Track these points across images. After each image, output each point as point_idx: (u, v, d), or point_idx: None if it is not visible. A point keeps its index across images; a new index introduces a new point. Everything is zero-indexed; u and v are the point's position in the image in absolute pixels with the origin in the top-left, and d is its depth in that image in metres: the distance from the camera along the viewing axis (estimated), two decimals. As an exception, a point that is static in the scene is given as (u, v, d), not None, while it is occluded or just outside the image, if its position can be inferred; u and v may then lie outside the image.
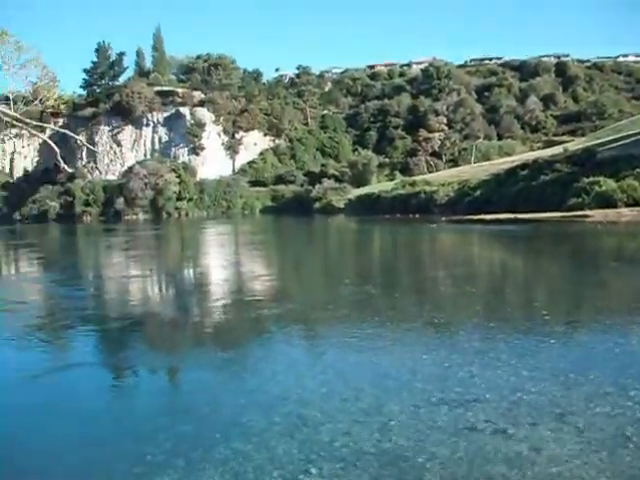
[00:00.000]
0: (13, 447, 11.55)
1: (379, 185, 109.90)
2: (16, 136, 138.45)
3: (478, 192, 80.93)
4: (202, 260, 44.46)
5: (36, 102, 13.54)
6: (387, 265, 38.28)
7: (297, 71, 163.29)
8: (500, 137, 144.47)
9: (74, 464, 10.64)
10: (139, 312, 24.26)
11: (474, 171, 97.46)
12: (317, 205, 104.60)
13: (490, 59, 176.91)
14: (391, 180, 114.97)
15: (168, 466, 10.14)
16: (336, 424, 11.41)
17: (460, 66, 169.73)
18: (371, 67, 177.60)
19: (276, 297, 25.97)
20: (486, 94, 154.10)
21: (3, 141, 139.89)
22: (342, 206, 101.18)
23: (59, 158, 24.88)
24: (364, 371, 14.45)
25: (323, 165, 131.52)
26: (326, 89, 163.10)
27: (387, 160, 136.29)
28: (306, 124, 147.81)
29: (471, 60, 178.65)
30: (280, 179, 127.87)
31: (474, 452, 10.12)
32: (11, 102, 13.10)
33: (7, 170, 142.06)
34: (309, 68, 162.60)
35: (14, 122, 13.63)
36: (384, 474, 9.58)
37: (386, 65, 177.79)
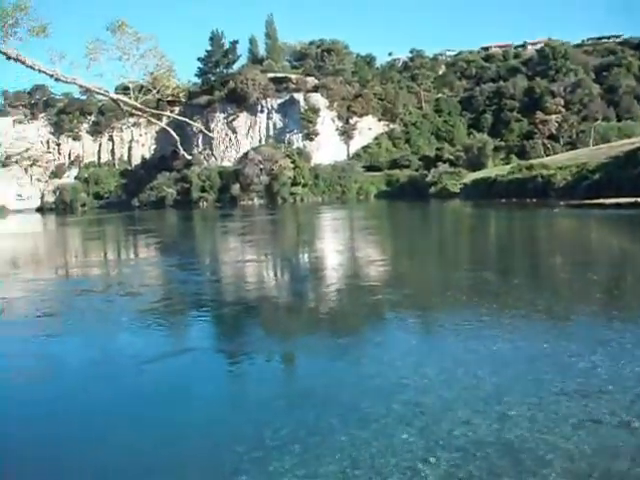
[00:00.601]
0: (138, 428, 11.91)
1: (495, 169, 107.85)
2: (134, 125, 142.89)
3: (597, 175, 78.23)
4: (317, 245, 44.72)
5: (154, 91, 13.83)
6: (504, 250, 37.54)
7: (410, 55, 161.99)
8: (619, 118, 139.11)
9: (196, 447, 10.86)
10: (255, 297, 24.59)
11: (593, 154, 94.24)
12: (432, 190, 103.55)
13: (608, 38, 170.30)
14: (507, 164, 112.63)
15: (286, 451, 10.23)
16: (455, 413, 11.26)
17: (577, 46, 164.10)
18: (485, 49, 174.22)
19: (392, 282, 25.86)
20: (604, 74, 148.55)
21: (122, 130, 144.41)
22: (457, 190, 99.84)
23: (179, 145, 25.38)
24: (483, 359, 14.19)
25: (438, 149, 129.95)
26: (440, 72, 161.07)
27: (503, 143, 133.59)
28: (420, 108, 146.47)
29: (588, 39, 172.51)
30: (395, 164, 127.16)
31: (596, 445, 9.79)
32: (131, 92, 13.43)
33: (125, 158, 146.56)
34: (422, 51, 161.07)
35: (133, 111, 13.97)
36: (503, 465, 9.39)
37: (500, 46, 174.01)
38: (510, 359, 14.11)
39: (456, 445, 10.05)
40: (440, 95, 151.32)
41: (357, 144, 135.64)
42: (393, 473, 9.30)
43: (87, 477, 10.13)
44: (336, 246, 41.65)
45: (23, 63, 10.31)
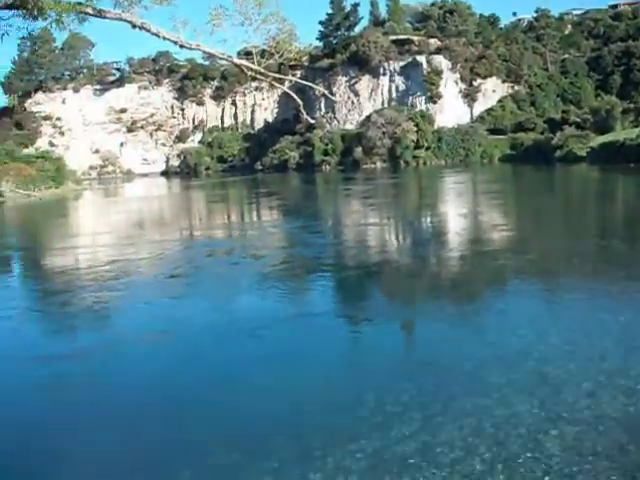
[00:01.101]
0: (259, 392, 12.18)
1: (623, 132, 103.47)
2: (256, 89, 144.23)
3: None
4: (440, 209, 44.24)
5: (276, 56, 13.94)
6: (634, 218, 36.12)
7: (535, 14, 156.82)
8: None
9: (316, 411, 11.06)
10: (377, 260, 24.61)
11: None
12: (558, 153, 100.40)
13: None
14: (636, 127, 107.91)
15: (407, 418, 10.29)
16: (579, 385, 11.02)
17: None
18: (613, 7, 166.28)
19: (516, 248, 25.34)
20: None
21: (244, 94, 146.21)
22: (584, 154, 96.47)
23: (302, 109, 25.54)
24: (610, 330, 13.78)
25: (564, 112, 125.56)
26: (566, 32, 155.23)
27: (632, 106, 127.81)
28: (546, 69, 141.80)
29: None
30: (519, 126, 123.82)
31: None
32: (253, 56, 13.57)
33: (248, 122, 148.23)
34: (548, 11, 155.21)
35: (256, 75, 14.10)
36: (628, 440, 9.15)
37: (629, 4, 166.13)
38: (638, 332, 13.66)
39: (579, 418, 9.85)
40: (566, 56, 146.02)
41: (481, 106, 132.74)
42: (514, 444, 9.21)
43: (213, 439, 10.46)
44: (459, 210, 41.05)
45: (148, 31, 10.55)
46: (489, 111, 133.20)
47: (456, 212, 39.95)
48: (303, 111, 23.88)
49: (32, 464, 9.99)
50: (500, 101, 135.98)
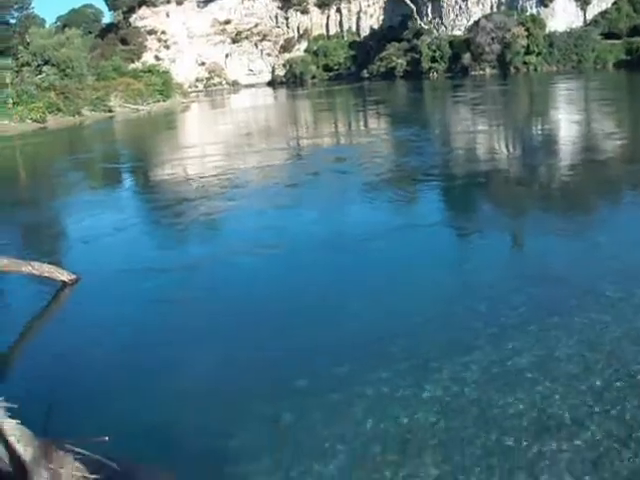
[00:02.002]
0: (369, 300, 12.28)
1: None
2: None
3: None
4: (551, 116, 42.79)
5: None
6: None
7: None
8: None
9: (429, 320, 11.08)
10: (485, 170, 24.15)
11: None
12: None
13: None
14: None
15: (521, 330, 10.19)
16: None
17: None
18: None
19: (631, 158, 24.37)
20: None
21: (349, 1, 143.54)
22: None
23: (415, 14, 25.08)
24: None
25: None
26: None
27: None
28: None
29: None
30: (635, 30, 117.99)
31: None
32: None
33: (354, 29, 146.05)
34: None
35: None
36: None
37: None
38: None
39: None
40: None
41: (594, 9, 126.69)
42: (634, 361, 9.00)
43: (325, 349, 10.63)
44: (571, 117, 39.63)
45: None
46: (603, 14, 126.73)
47: (568, 120, 38.63)
48: (417, 16, 23.39)
49: (142, 376, 10.40)
50: (615, 3, 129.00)
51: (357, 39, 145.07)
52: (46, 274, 14.33)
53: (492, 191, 21.00)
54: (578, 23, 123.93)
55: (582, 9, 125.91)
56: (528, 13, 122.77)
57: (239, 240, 17.13)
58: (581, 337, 9.74)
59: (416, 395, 8.85)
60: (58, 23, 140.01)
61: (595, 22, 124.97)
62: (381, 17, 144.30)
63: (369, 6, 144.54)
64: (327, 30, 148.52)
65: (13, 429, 7.80)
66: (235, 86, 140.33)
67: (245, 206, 20.89)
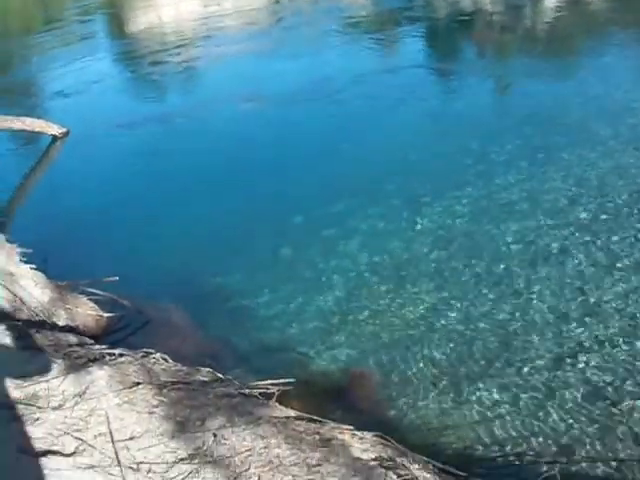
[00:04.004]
0: (365, 139, 12.47)
1: None
2: None
3: None
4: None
5: None
6: None
7: None
8: None
9: (423, 157, 11.33)
10: (469, 10, 23.48)
11: None
12: None
13: None
14: None
15: (511, 166, 10.47)
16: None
17: None
18: None
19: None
20: None
21: None
22: None
23: None
24: None
25: None
26: None
27: None
28: None
29: None
30: None
31: None
32: None
33: None
34: None
35: None
36: None
37: None
38: None
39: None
40: None
41: None
42: (620, 195, 9.35)
43: (321, 190, 10.85)
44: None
45: None
46: None
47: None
48: None
49: (141, 219, 10.75)
50: None
51: None
52: (37, 129, 14.47)
53: (476, 31, 20.49)
54: None
55: None
56: None
57: (217, 90, 17.00)
58: (569, 172, 10.06)
59: (409, 229, 9.22)
60: None
61: None
62: None
63: None
64: None
65: (30, 273, 8.12)
66: None
67: (222, 54, 20.38)
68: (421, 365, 6.91)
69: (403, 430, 6.12)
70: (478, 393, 6.44)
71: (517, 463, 5.68)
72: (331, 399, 6.54)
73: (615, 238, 8.35)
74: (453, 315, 7.51)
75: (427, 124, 12.83)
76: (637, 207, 8.98)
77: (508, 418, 6.13)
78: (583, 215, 8.93)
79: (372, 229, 9.33)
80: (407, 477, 5.03)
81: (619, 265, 7.87)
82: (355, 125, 13.23)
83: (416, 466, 5.27)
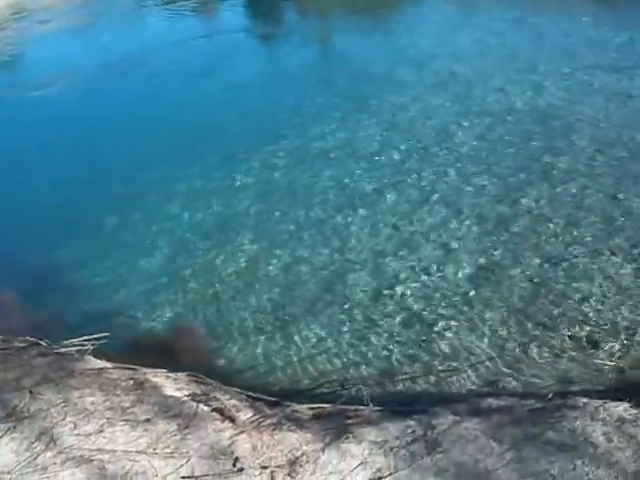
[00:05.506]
0: (181, 101, 12.34)
1: None
2: None
3: None
4: None
5: None
6: None
7: None
8: None
9: (238, 118, 11.26)
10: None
11: None
12: None
13: None
14: None
15: (324, 117, 10.65)
16: (489, 81, 11.37)
17: None
18: None
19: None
20: None
21: None
22: None
23: None
24: (521, 31, 13.76)
25: None
26: None
27: None
28: None
29: None
30: None
31: (624, 118, 9.83)
32: None
33: None
34: None
35: None
36: (533, 130, 9.62)
37: None
38: (547, 33, 13.76)
39: (489, 110, 10.32)
40: None
41: None
42: (428, 135, 9.71)
43: (150, 155, 10.64)
44: None
45: None
46: None
47: None
48: None
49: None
50: None
51: None
52: None
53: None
54: None
55: None
56: None
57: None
58: (380, 118, 10.34)
59: (228, 185, 9.21)
60: None
61: None
62: None
63: None
64: None
65: None
66: None
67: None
68: (247, 314, 6.93)
69: (226, 372, 6.16)
70: (304, 333, 6.53)
71: (333, 389, 5.83)
72: (156, 353, 6.46)
73: (424, 174, 8.67)
74: (275, 263, 7.57)
75: (239, 86, 12.75)
76: (444, 144, 9.35)
77: (332, 351, 6.25)
78: (395, 157, 9.20)
79: (192, 190, 9.25)
80: (218, 407, 5.20)
81: (430, 199, 8.16)
82: (169, 92, 13.03)
83: (227, 396, 5.44)
